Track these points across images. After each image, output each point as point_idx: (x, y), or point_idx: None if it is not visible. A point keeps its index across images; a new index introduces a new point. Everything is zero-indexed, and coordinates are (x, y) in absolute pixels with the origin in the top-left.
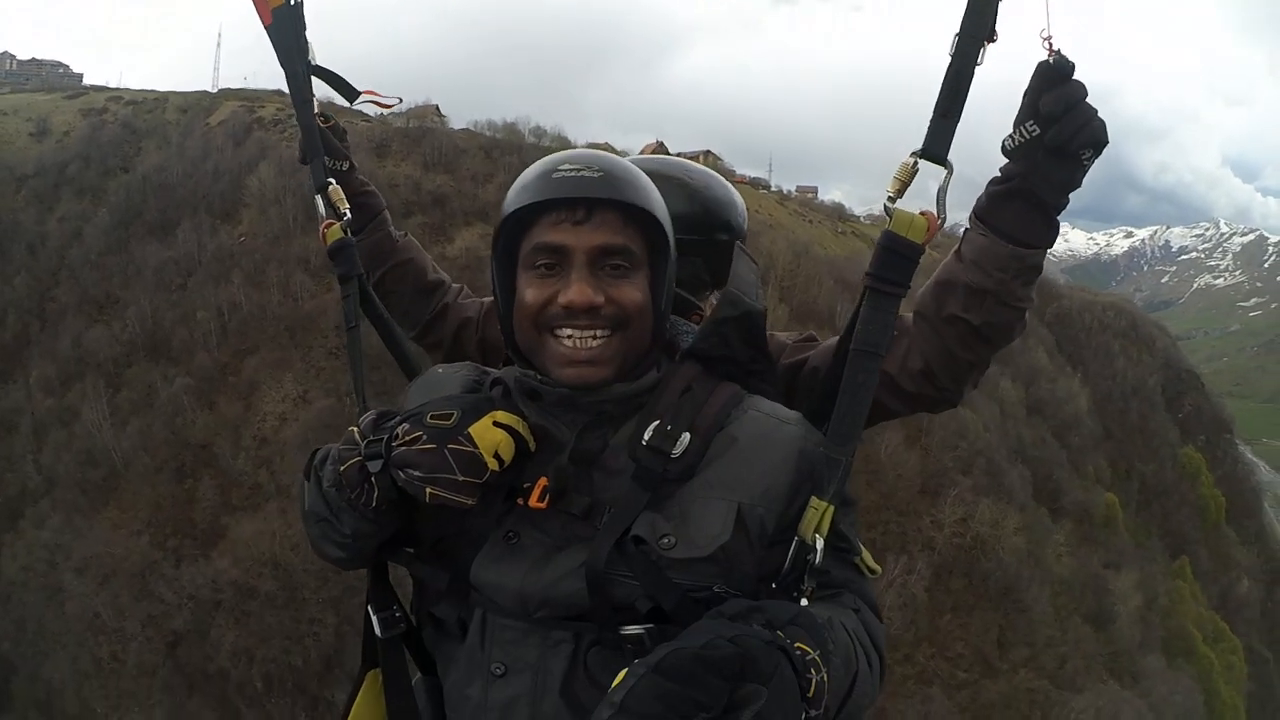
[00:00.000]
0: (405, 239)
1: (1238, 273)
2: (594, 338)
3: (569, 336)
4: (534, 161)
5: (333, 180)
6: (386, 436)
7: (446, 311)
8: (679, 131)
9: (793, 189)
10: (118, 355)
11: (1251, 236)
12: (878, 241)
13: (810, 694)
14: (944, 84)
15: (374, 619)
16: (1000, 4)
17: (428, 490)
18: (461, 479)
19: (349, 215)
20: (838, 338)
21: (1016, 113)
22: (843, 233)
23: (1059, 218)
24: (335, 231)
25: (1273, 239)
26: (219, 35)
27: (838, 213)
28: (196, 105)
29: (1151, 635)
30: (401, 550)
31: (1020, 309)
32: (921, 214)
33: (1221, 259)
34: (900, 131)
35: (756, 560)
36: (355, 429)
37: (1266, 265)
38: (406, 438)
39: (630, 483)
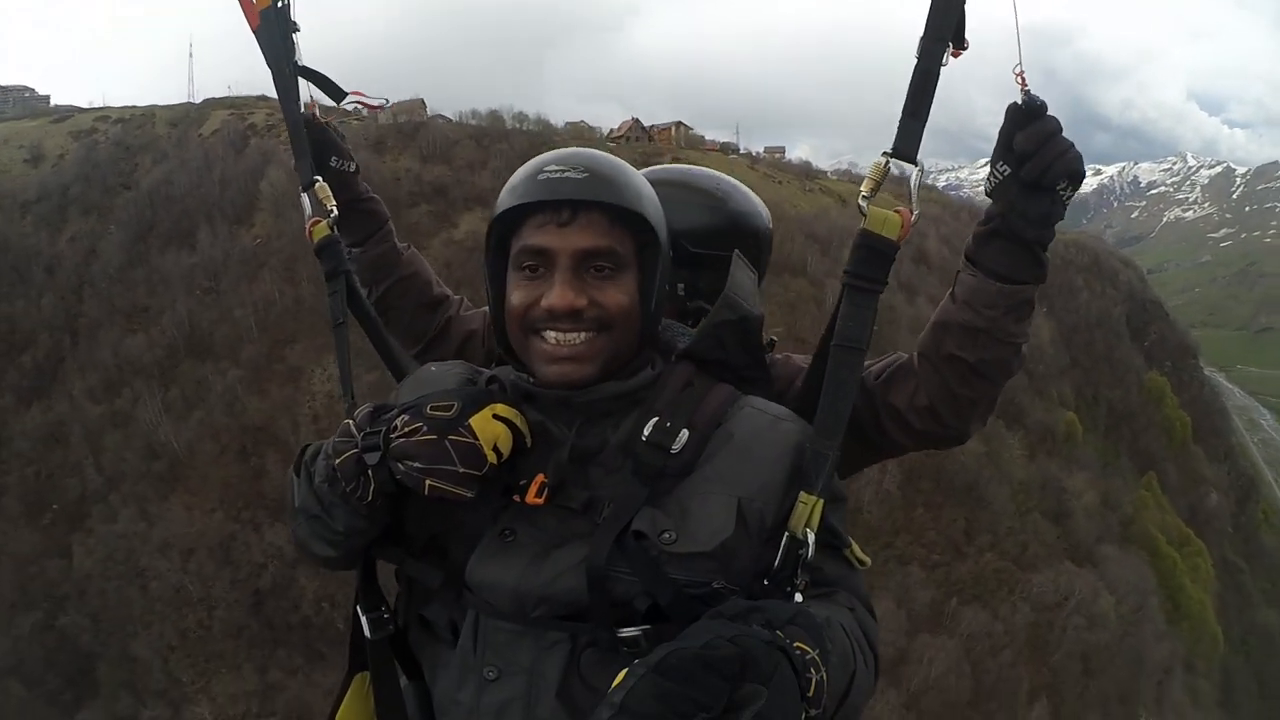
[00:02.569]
0: (409, 252)
1: (1206, 205)
2: (578, 338)
3: (553, 337)
4: (522, 147)
5: (319, 178)
6: (384, 428)
7: (450, 325)
8: (645, 100)
9: (761, 150)
10: (160, 358)
11: (1219, 169)
12: (854, 240)
13: (810, 693)
14: (911, 86)
15: (363, 620)
16: (965, 9)
17: (427, 482)
18: (461, 470)
19: (335, 212)
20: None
21: (991, 154)
22: (810, 190)
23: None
24: (322, 229)
25: (1240, 170)
26: (190, 47)
27: (805, 171)
28: (185, 118)
29: (1109, 531)
30: (392, 548)
31: (1015, 344)
32: (895, 211)
33: (1190, 192)
34: (860, 83)
35: (754, 555)
36: (350, 422)
37: (1235, 196)
38: (406, 429)
39: (629, 478)
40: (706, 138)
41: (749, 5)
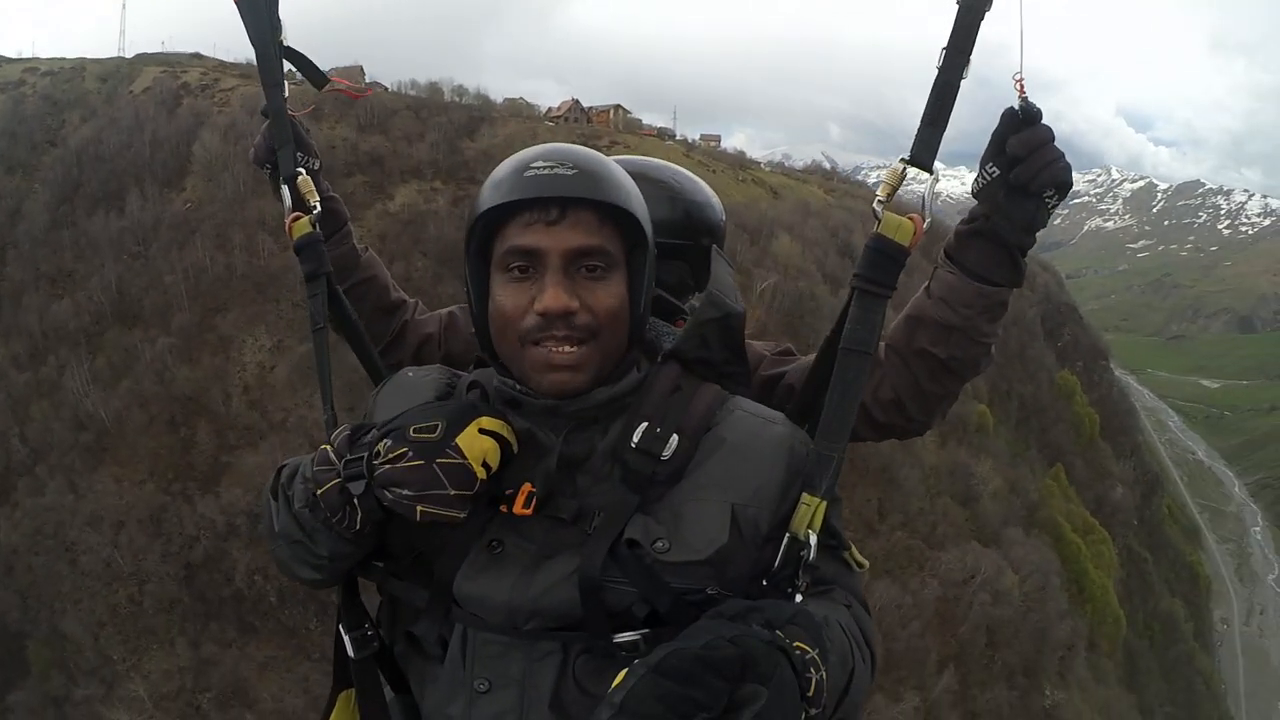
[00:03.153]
0: (368, 255)
1: (1127, 217)
2: (573, 350)
3: (549, 346)
4: (460, 120)
5: (302, 170)
6: (366, 454)
7: (406, 329)
8: (582, 79)
9: (697, 137)
10: (87, 325)
11: (1142, 183)
12: (866, 244)
13: (810, 693)
14: (931, 95)
15: (346, 639)
16: (983, 20)
17: (419, 509)
18: (453, 493)
19: (318, 209)
20: (814, 355)
21: (982, 155)
22: (743, 180)
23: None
24: (303, 225)
25: (1161, 186)
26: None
27: (739, 160)
28: (115, 73)
29: (1015, 516)
30: (375, 567)
31: (986, 344)
32: (908, 218)
33: (1112, 203)
34: (797, 77)
35: (750, 560)
36: (329, 447)
37: (1155, 210)
38: (390, 455)
39: (619, 486)
40: (644, 122)
41: None
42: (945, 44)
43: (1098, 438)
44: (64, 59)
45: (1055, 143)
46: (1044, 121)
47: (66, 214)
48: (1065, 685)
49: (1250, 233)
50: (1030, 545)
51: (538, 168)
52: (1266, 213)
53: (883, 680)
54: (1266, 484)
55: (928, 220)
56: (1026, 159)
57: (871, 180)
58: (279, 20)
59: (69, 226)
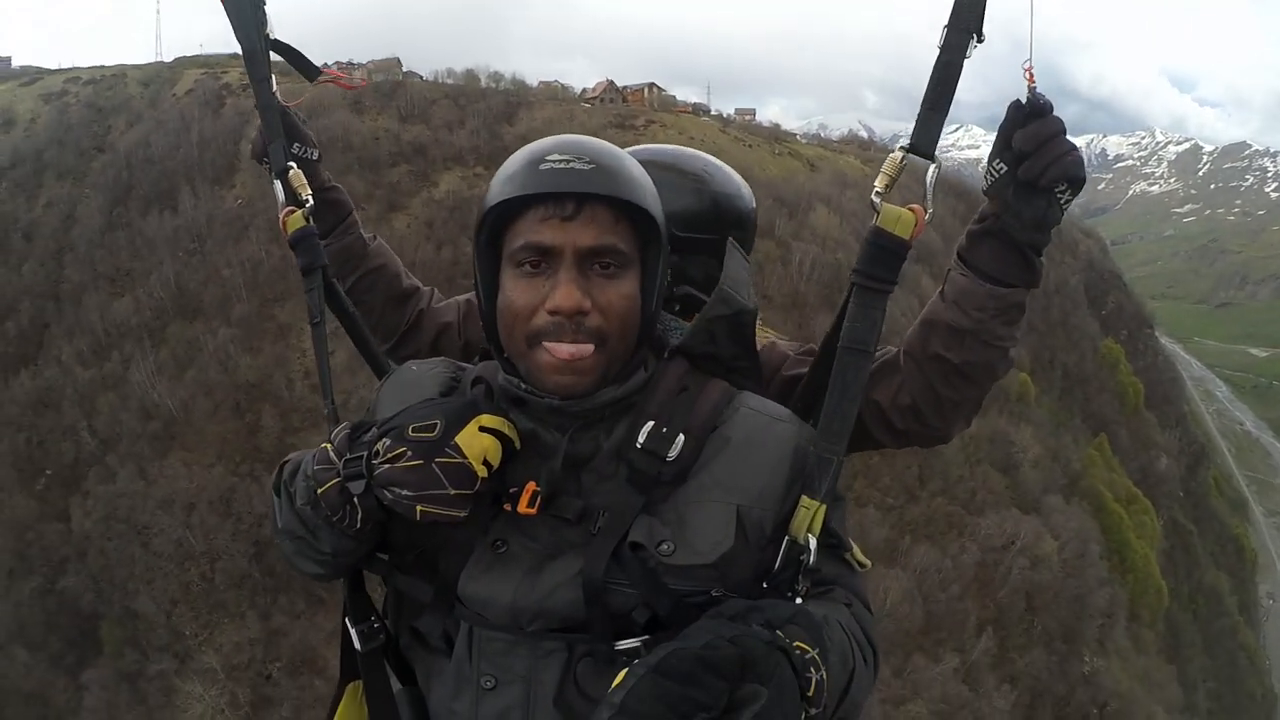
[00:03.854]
0: (376, 243)
1: (1172, 180)
2: (585, 351)
3: (559, 349)
4: (499, 106)
5: (293, 164)
6: (366, 454)
7: (422, 319)
8: (614, 57)
9: (732, 112)
10: (148, 320)
11: (1186, 145)
12: (865, 238)
13: (810, 693)
14: (932, 78)
15: (352, 633)
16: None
17: (418, 508)
18: (453, 493)
19: (311, 202)
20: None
21: (989, 151)
22: (780, 154)
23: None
24: (297, 219)
25: (1207, 148)
26: (158, 3)
27: (775, 134)
28: (156, 78)
29: (1055, 484)
30: (380, 561)
31: (1002, 348)
32: (909, 209)
33: (1157, 167)
34: (829, 45)
35: (753, 562)
36: (329, 446)
37: (1201, 174)
38: (389, 455)
39: (623, 486)
40: (678, 99)
41: None
42: (946, 21)
43: (1142, 407)
44: (104, 67)
45: (1065, 134)
46: (1055, 113)
47: (121, 215)
48: (1105, 653)
49: None
50: (1070, 513)
51: (553, 161)
52: None
53: (923, 641)
54: None
55: (929, 211)
56: (1035, 153)
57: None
58: (265, 14)
59: (124, 227)
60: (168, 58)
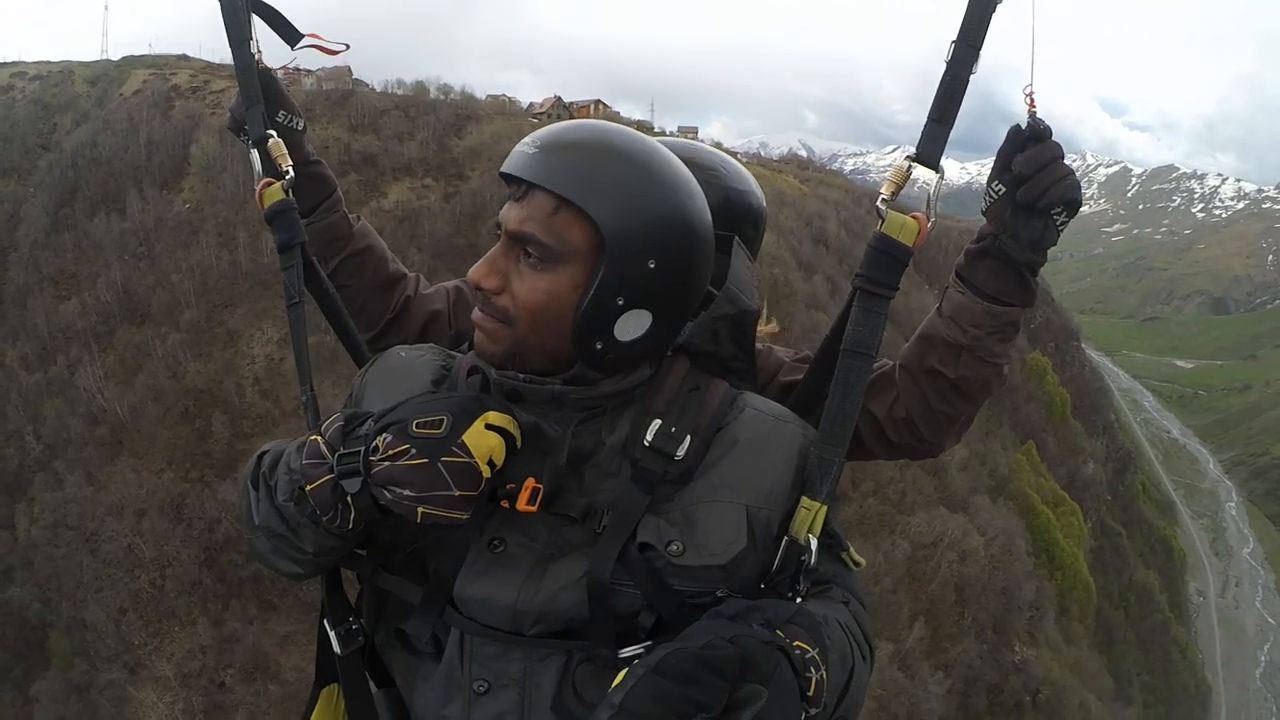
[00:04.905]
0: (361, 224)
1: (1102, 201)
2: (486, 316)
3: (476, 312)
4: (448, 119)
5: (273, 133)
6: (363, 449)
7: (409, 305)
8: (559, 70)
9: (675, 130)
10: (94, 325)
11: (1116, 168)
12: (869, 243)
13: (810, 693)
14: (939, 91)
15: (331, 635)
16: (993, 15)
17: (420, 510)
18: (458, 494)
19: (291, 173)
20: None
21: (989, 173)
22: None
23: (1035, 277)
24: (275, 192)
25: (1136, 171)
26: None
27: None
28: (104, 76)
29: (981, 485)
30: (363, 561)
31: (997, 365)
32: (912, 216)
33: (1088, 188)
34: (771, 64)
35: (759, 563)
36: (319, 439)
37: (1129, 195)
38: (390, 452)
39: (628, 484)
40: (622, 115)
41: None
42: (955, 36)
43: (1069, 416)
44: (50, 62)
45: (1064, 160)
46: (1053, 138)
47: (67, 217)
48: (1035, 643)
49: (1224, 216)
50: (996, 511)
51: (523, 144)
52: (1239, 196)
53: None
54: (1240, 460)
55: (933, 220)
56: (1033, 177)
57: (848, 169)
58: None
59: (70, 229)
60: (115, 56)
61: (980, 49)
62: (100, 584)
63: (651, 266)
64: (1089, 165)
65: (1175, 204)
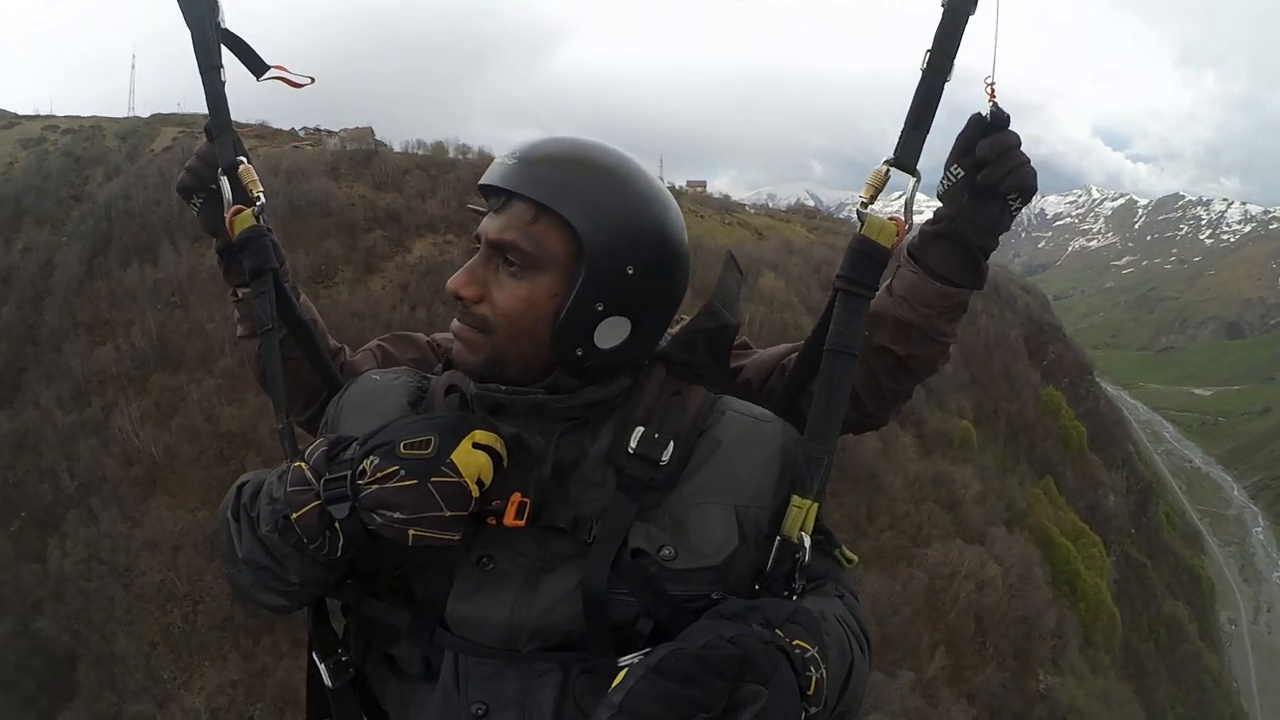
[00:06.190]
0: (304, 299)
1: (1110, 235)
2: (464, 326)
3: (454, 321)
4: (468, 178)
5: (244, 159)
6: (350, 473)
7: (344, 371)
8: (568, 127)
9: (684, 184)
10: (129, 369)
11: (1122, 201)
12: (850, 245)
13: (810, 692)
14: (915, 98)
15: (321, 668)
16: (967, 23)
17: (411, 533)
18: (449, 514)
19: (263, 200)
20: (772, 349)
21: (946, 157)
22: (729, 223)
23: (986, 261)
24: (245, 218)
25: (1142, 202)
26: (133, 58)
27: (725, 205)
28: (134, 132)
29: (997, 517)
30: (349, 588)
31: (944, 343)
32: (890, 219)
33: (1095, 223)
34: (777, 117)
35: (751, 562)
36: (303, 465)
37: (1137, 226)
38: (378, 474)
39: (613, 492)
40: None
41: (665, 36)
42: (929, 46)
43: (1086, 449)
44: (80, 117)
45: (1021, 148)
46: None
47: (101, 265)
48: (1059, 672)
49: (1232, 240)
50: (1012, 541)
51: (503, 156)
52: (1246, 219)
53: (879, 661)
54: (1265, 485)
55: (910, 224)
56: (995, 161)
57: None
58: (217, 1)
59: (103, 277)
60: (143, 113)
61: (953, 58)
62: (131, 618)
63: (630, 273)
64: (1095, 200)
65: (1183, 232)
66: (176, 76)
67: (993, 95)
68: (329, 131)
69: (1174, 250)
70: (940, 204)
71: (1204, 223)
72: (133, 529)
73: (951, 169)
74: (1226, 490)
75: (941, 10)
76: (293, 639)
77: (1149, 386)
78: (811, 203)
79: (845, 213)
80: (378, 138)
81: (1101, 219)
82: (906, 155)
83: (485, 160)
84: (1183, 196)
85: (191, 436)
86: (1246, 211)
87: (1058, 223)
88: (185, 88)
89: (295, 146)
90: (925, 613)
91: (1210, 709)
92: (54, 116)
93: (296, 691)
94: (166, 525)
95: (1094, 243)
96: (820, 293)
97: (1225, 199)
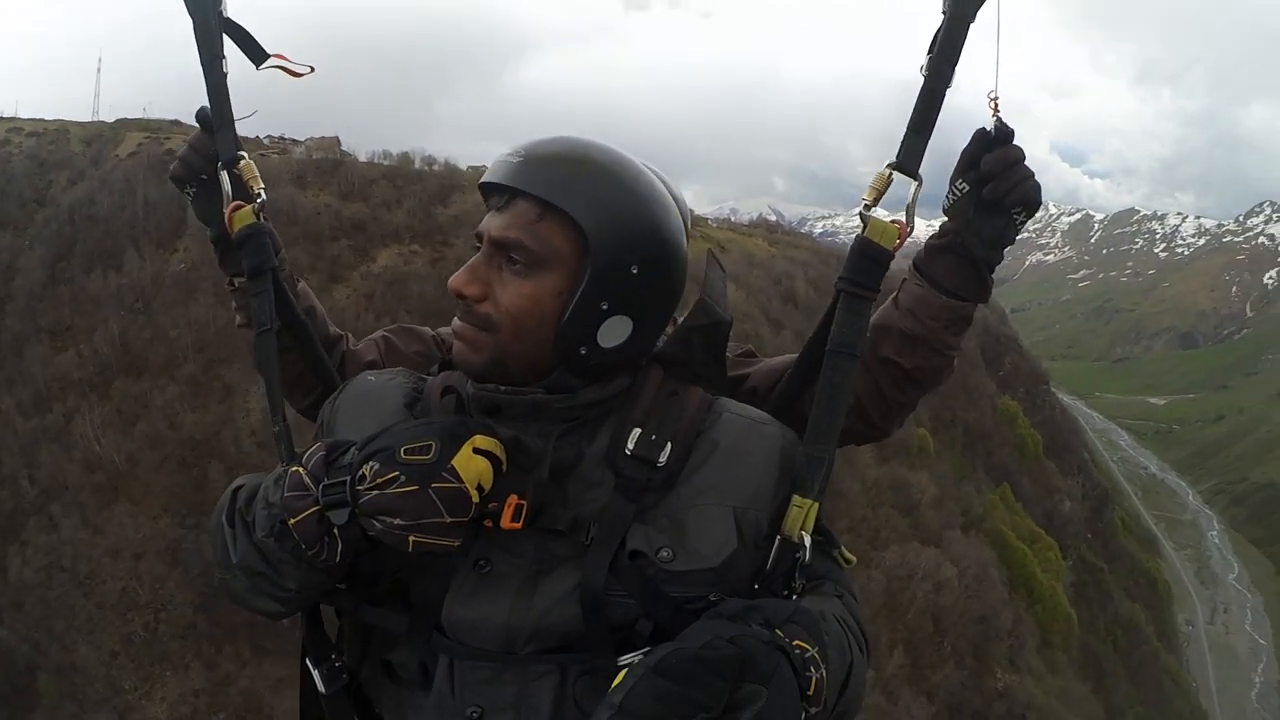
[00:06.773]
0: (303, 285)
1: (1067, 249)
2: (466, 325)
3: (456, 321)
4: (434, 188)
5: (244, 154)
6: (349, 479)
7: (345, 362)
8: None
9: None
10: (91, 375)
11: (1078, 216)
12: (852, 247)
13: (810, 692)
14: (917, 103)
15: (315, 674)
16: (970, 29)
17: (411, 539)
18: (449, 520)
19: (263, 196)
20: (779, 358)
21: (952, 172)
22: (693, 237)
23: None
24: (245, 215)
25: (1098, 216)
26: (99, 62)
27: (690, 219)
28: (99, 137)
29: (953, 521)
30: (345, 594)
31: (949, 356)
32: (893, 222)
33: (1051, 237)
34: (742, 132)
35: (750, 563)
36: (301, 470)
37: (1093, 241)
38: (378, 480)
39: (611, 494)
40: None
41: (629, 52)
42: (933, 52)
43: (1043, 456)
44: (45, 120)
45: (1026, 162)
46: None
47: (64, 271)
48: (1017, 670)
49: (1186, 253)
50: (969, 543)
51: (505, 154)
52: (1200, 232)
53: None
54: (1219, 489)
55: (912, 226)
56: (1000, 175)
57: (818, 231)
58: None
59: (67, 283)
60: (108, 117)
61: (955, 63)
62: (92, 626)
63: (634, 271)
64: (1052, 215)
65: (1138, 245)
66: (142, 82)
67: (996, 110)
68: (294, 140)
69: (1129, 263)
70: (945, 218)
71: (1159, 236)
72: (94, 536)
73: (956, 183)
74: (1181, 495)
75: (943, 16)
76: (254, 647)
77: (1105, 396)
78: (774, 217)
79: (808, 227)
80: (343, 147)
81: (1058, 233)
82: (909, 159)
83: (450, 171)
84: (1138, 211)
85: (154, 443)
86: (1201, 225)
87: (1015, 238)
88: (150, 93)
89: (262, 154)
90: (884, 613)
91: (1169, 708)
92: (18, 119)
93: (259, 699)
94: (128, 533)
95: (1051, 257)
96: (780, 304)
97: (1180, 213)
